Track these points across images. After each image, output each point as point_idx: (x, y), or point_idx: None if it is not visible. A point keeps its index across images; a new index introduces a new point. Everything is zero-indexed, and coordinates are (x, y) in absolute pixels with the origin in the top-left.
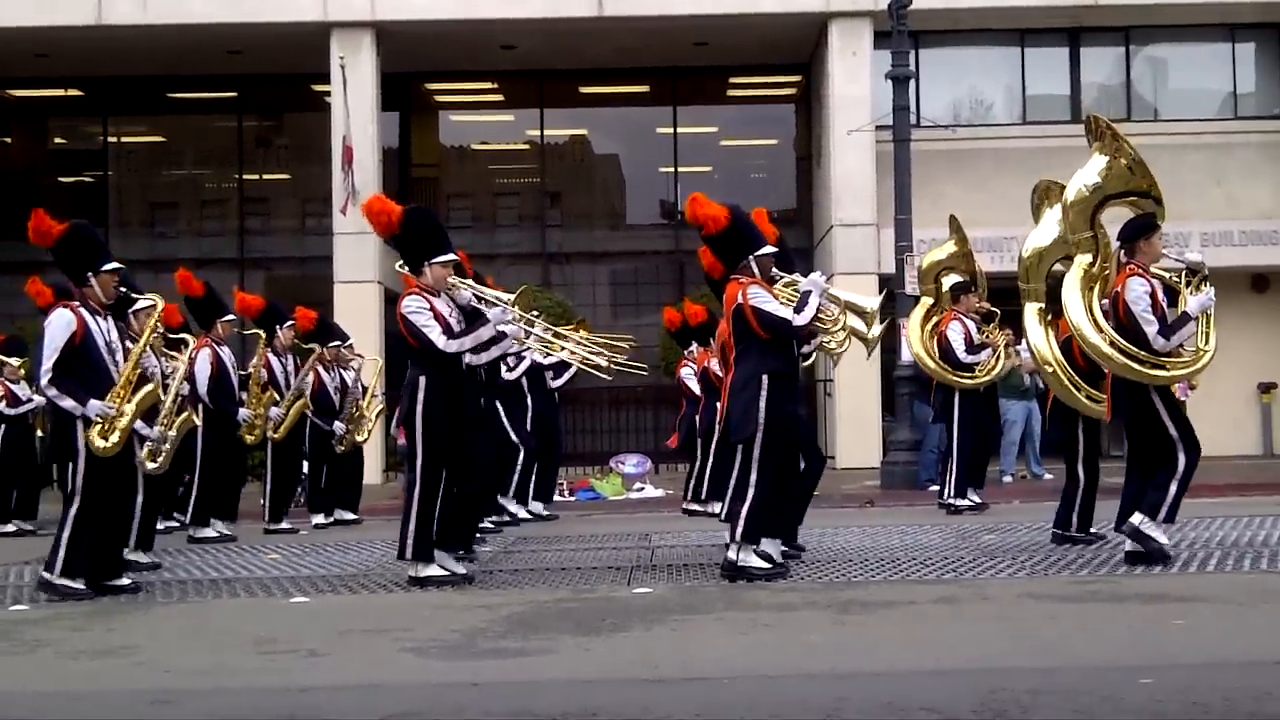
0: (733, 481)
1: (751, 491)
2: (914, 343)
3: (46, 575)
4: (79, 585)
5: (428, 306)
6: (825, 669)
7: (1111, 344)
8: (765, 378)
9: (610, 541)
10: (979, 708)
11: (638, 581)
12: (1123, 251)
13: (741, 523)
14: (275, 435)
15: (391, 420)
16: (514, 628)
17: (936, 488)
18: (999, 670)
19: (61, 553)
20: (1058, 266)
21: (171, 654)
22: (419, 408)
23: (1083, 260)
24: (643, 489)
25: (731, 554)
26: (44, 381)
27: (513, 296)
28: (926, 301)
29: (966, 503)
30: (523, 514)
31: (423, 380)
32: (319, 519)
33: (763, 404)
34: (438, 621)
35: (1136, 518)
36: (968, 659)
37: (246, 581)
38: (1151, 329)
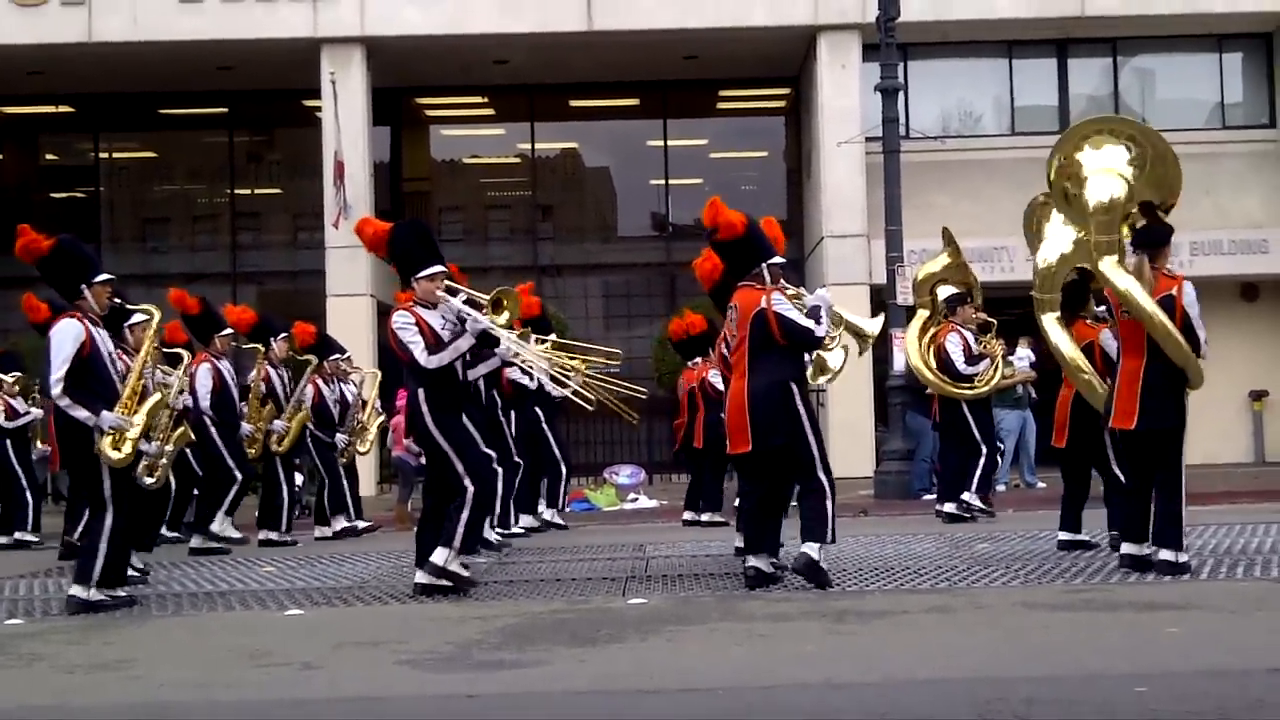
0: (801, 489)
1: (829, 492)
2: (913, 356)
3: (82, 594)
4: (106, 596)
5: (413, 321)
6: (820, 679)
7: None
8: (794, 385)
9: (605, 552)
10: (974, 717)
11: (632, 592)
12: (1149, 258)
13: (830, 522)
14: (279, 448)
15: (386, 433)
16: (509, 639)
17: (931, 497)
18: (994, 679)
19: (98, 566)
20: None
21: (166, 667)
22: (428, 420)
23: (1111, 259)
24: (636, 500)
25: (814, 553)
26: (56, 391)
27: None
28: (922, 314)
29: (980, 505)
30: (534, 521)
31: (421, 394)
32: (323, 531)
33: (801, 411)
34: (432, 634)
35: (1169, 554)
36: (962, 668)
37: (241, 594)
38: (1203, 334)
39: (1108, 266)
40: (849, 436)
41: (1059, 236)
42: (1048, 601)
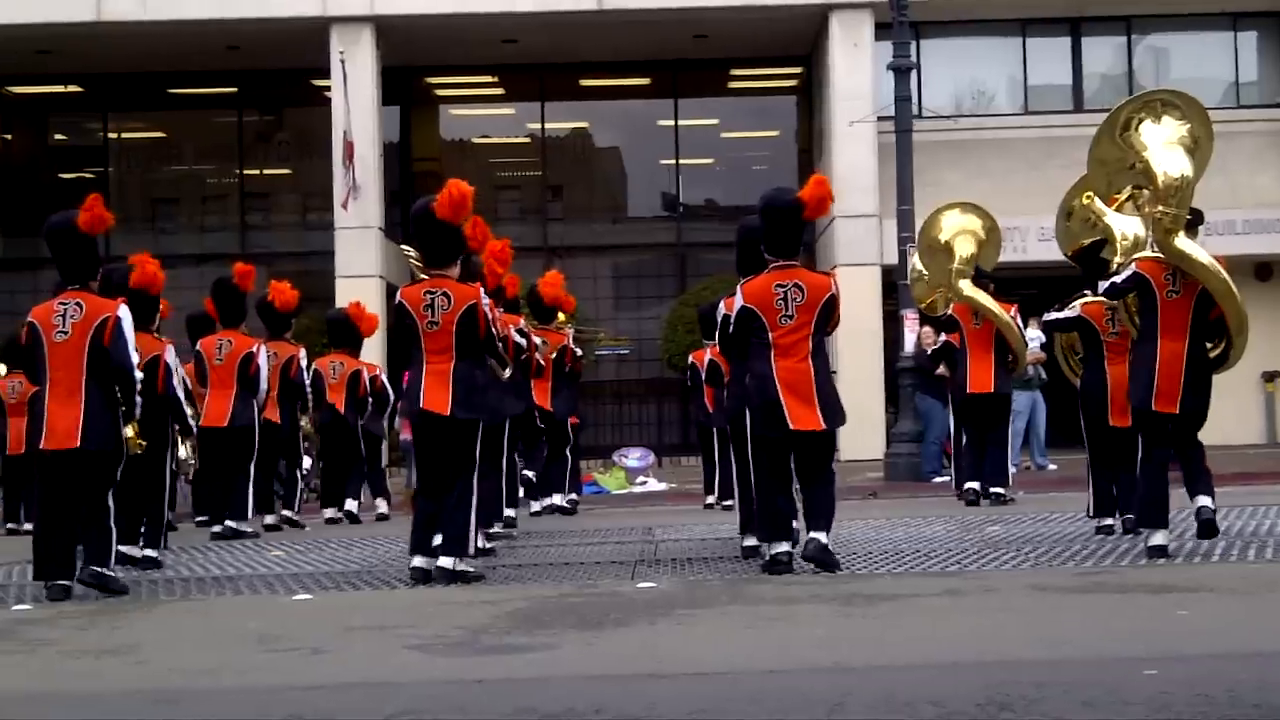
0: (820, 477)
1: (834, 478)
2: (1009, 321)
3: (102, 570)
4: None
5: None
6: (829, 663)
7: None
8: None
9: (614, 536)
10: (984, 701)
11: (641, 576)
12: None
13: (834, 510)
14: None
15: (395, 417)
16: (517, 623)
17: (941, 480)
18: (1004, 663)
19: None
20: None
21: (174, 652)
22: (488, 404)
23: (1182, 234)
24: (646, 483)
25: (825, 539)
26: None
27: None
28: (964, 283)
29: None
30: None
31: (481, 374)
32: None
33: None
34: (441, 618)
35: (1209, 500)
36: (972, 651)
37: (249, 579)
38: None
39: (1185, 243)
40: (859, 419)
41: (1124, 217)
42: (1058, 584)
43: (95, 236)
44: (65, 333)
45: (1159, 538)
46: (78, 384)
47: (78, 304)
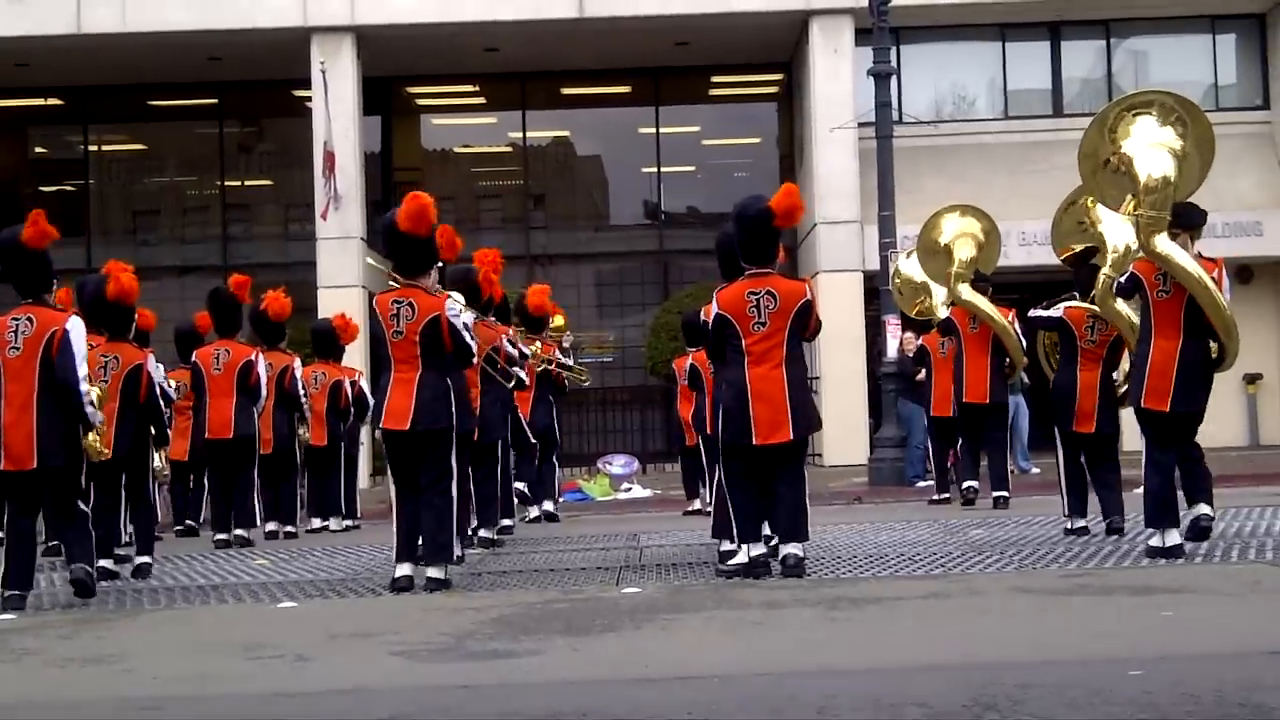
0: (788, 480)
1: (806, 488)
2: (1006, 324)
3: (87, 568)
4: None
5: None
6: (815, 666)
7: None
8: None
9: (599, 542)
10: (969, 703)
11: (627, 581)
12: (1189, 240)
13: (810, 519)
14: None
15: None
16: (503, 629)
17: (925, 484)
18: (989, 665)
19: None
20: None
21: (159, 661)
22: (457, 412)
23: (1164, 236)
24: (630, 489)
25: (799, 551)
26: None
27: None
28: (963, 287)
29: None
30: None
31: (451, 383)
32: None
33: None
34: (426, 624)
35: (1209, 509)
36: (957, 654)
37: (234, 587)
38: None
39: (1164, 244)
40: (842, 425)
41: (1119, 221)
42: (1042, 586)
43: (44, 250)
44: (17, 349)
45: (1173, 536)
46: (30, 399)
47: (29, 318)
